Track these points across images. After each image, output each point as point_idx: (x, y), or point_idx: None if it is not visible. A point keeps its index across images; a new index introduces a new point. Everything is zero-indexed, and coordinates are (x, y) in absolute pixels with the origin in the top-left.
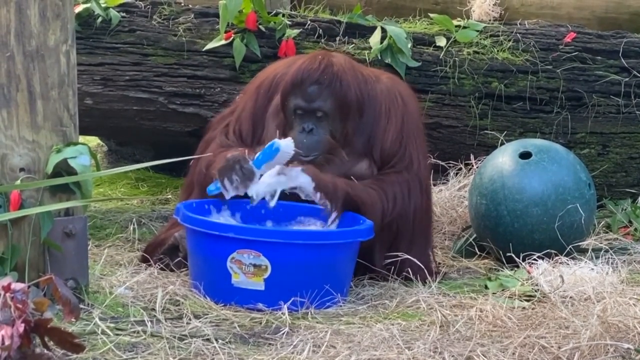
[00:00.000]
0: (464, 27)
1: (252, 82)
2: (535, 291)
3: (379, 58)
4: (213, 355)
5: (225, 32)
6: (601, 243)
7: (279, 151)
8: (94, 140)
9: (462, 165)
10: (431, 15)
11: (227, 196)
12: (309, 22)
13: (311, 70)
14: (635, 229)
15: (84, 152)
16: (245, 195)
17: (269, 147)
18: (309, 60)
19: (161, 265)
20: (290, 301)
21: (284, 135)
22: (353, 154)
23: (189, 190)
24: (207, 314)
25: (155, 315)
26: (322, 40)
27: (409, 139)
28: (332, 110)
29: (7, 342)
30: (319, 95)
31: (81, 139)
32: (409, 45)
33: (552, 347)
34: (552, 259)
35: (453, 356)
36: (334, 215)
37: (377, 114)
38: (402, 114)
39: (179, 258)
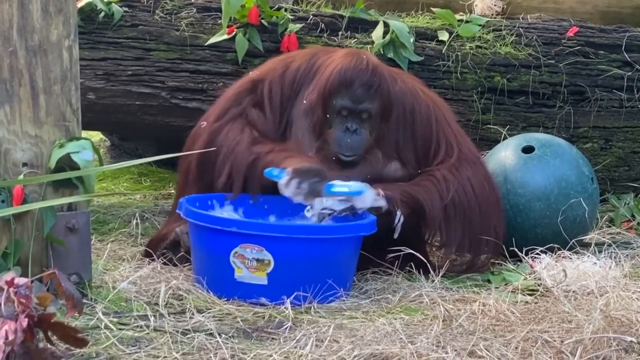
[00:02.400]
0: (467, 22)
1: (272, 65)
2: (538, 285)
3: (382, 53)
4: (216, 349)
5: (228, 26)
6: (604, 237)
7: (359, 195)
8: (96, 135)
9: None
10: (433, 9)
11: (283, 193)
12: (311, 16)
13: (360, 71)
14: (638, 223)
15: (87, 147)
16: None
17: (356, 189)
18: (355, 59)
19: (164, 260)
20: (293, 296)
21: (320, 134)
22: (384, 154)
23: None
24: (210, 309)
25: (158, 310)
26: (325, 35)
27: (439, 126)
28: (377, 111)
29: (10, 337)
30: (367, 97)
31: (84, 133)
32: (412, 40)
33: (555, 341)
34: (555, 253)
35: (456, 350)
36: (399, 213)
37: (401, 113)
38: (426, 105)
39: (182, 253)
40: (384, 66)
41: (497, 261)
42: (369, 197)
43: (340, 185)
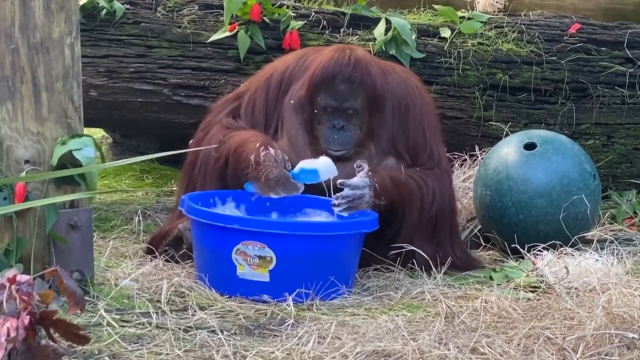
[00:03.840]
0: (469, 19)
1: (259, 74)
2: (540, 282)
3: (384, 49)
4: (218, 346)
5: (230, 23)
6: (606, 234)
7: (318, 177)
8: (98, 132)
9: (466, 157)
10: (435, 6)
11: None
12: (313, 13)
13: (342, 66)
14: None
15: (89, 144)
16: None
17: (312, 173)
18: (337, 54)
19: (166, 257)
20: (295, 293)
21: (311, 129)
22: (379, 149)
23: (191, 170)
24: (212, 306)
25: (160, 307)
26: (327, 32)
27: (430, 133)
28: (362, 107)
29: (12, 334)
30: (350, 94)
31: (86, 131)
32: (414, 37)
33: (557, 337)
34: (557, 250)
35: (458, 347)
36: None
37: (396, 107)
38: (420, 106)
39: (184, 250)
40: (374, 60)
41: (499, 258)
42: (326, 173)
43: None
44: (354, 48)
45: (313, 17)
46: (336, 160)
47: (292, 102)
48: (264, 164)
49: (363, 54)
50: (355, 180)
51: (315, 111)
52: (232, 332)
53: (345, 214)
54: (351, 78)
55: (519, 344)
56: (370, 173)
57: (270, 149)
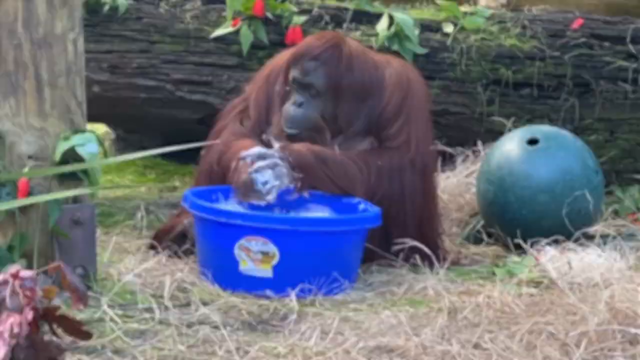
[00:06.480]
0: (471, 14)
1: (260, 72)
2: (543, 277)
3: (386, 45)
4: (221, 342)
5: (233, 19)
6: (609, 229)
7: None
8: (101, 128)
9: (469, 152)
10: (438, 1)
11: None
12: (315, 8)
13: (313, 46)
14: None
15: (92, 139)
16: None
17: None
18: (317, 36)
19: (169, 253)
20: (299, 288)
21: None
22: (355, 133)
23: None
24: (215, 301)
25: (163, 303)
26: (329, 27)
27: (409, 120)
28: (325, 88)
29: (15, 330)
30: (314, 71)
31: (89, 126)
32: (416, 32)
33: (560, 333)
34: (560, 246)
35: (461, 343)
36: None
37: (382, 97)
38: (405, 94)
39: (187, 245)
40: (367, 53)
41: (502, 254)
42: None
43: None
44: (342, 36)
45: (316, 12)
46: (288, 139)
47: (277, 88)
48: (238, 170)
49: (349, 43)
50: (255, 149)
51: (287, 88)
52: (235, 327)
53: (271, 197)
54: (317, 57)
55: (521, 340)
56: (281, 148)
57: (246, 153)
